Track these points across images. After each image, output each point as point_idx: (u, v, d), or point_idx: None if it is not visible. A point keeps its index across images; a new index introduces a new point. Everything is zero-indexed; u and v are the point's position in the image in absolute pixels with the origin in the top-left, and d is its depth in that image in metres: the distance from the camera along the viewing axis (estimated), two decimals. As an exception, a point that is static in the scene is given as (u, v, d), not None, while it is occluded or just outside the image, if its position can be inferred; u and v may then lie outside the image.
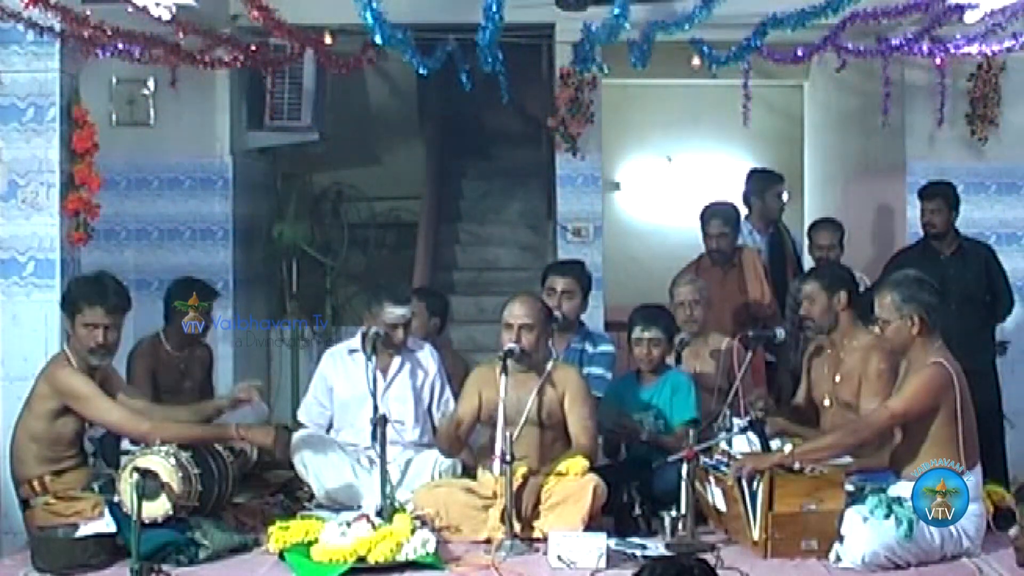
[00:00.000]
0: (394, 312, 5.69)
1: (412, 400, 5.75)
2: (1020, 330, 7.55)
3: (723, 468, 4.96)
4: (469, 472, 5.53)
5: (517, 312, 5.27)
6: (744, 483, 4.76)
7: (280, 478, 5.76)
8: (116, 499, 4.83)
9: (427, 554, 4.71)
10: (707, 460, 5.07)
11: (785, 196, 7.74)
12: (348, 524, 4.77)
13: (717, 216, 7.05)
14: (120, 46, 6.26)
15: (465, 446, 5.51)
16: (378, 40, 6.08)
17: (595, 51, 7.48)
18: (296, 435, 5.70)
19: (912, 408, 4.75)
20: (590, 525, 4.94)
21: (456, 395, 5.64)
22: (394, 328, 5.68)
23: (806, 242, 7.46)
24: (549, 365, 5.29)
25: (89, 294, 5.12)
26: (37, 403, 5.11)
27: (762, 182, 7.66)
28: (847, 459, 5.13)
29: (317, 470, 5.55)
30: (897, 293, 4.82)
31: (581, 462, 5.12)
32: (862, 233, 8.40)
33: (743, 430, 5.11)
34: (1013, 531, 4.52)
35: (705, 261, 7.07)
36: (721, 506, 5.00)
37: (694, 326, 6.12)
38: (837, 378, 5.45)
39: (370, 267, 9.33)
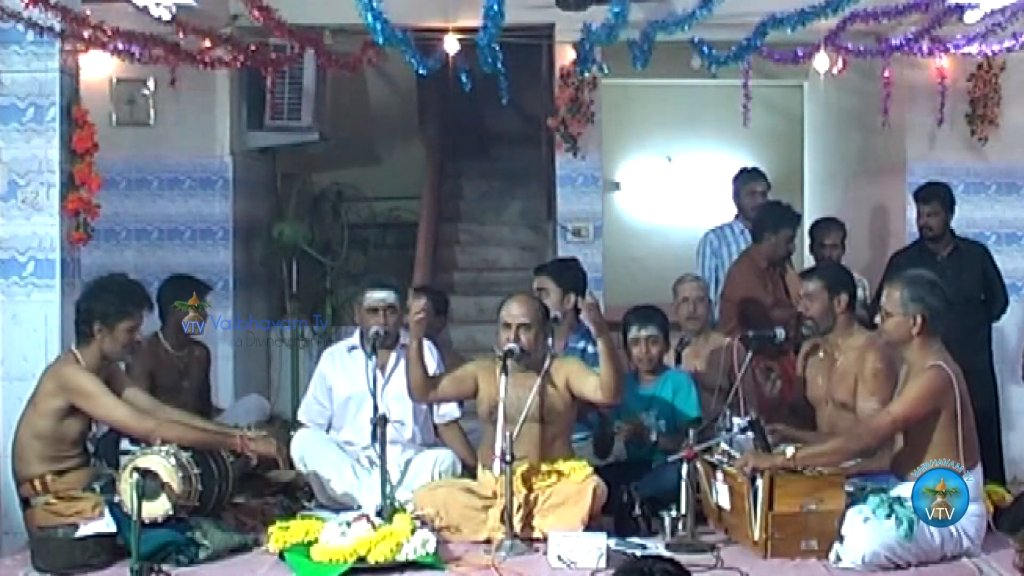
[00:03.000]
0: (373, 296, 5.72)
1: (410, 398, 5.75)
2: (1021, 331, 7.56)
3: (727, 466, 4.96)
4: (469, 471, 5.54)
5: (515, 312, 5.27)
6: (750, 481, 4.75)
7: (280, 478, 5.75)
8: (116, 499, 4.83)
9: (427, 554, 4.71)
10: (710, 458, 5.07)
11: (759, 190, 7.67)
12: (348, 524, 4.78)
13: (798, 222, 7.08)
14: (120, 46, 6.26)
15: (430, 393, 5.44)
16: (378, 40, 6.08)
17: (595, 51, 7.48)
18: (296, 435, 5.71)
19: (913, 412, 4.75)
20: (590, 525, 4.94)
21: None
22: (374, 312, 5.69)
23: (807, 240, 7.45)
24: (547, 363, 5.29)
25: (139, 299, 5.27)
26: (42, 401, 5.12)
27: (739, 180, 7.69)
28: (848, 463, 5.13)
29: (317, 469, 5.55)
30: (908, 290, 4.84)
31: (585, 468, 5.13)
32: (862, 233, 8.39)
33: (743, 430, 5.11)
34: (1017, 559, 4.49)
35: (760, 260, 6.84)
36: (725, 504, 4.99)
37: (696, 323, 6.12)
38: (833, 378, 5.45)
39: (370, 267, 9.32)
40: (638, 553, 4.70)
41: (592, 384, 5.19)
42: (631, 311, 5.87)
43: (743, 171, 7.85)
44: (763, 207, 7.21)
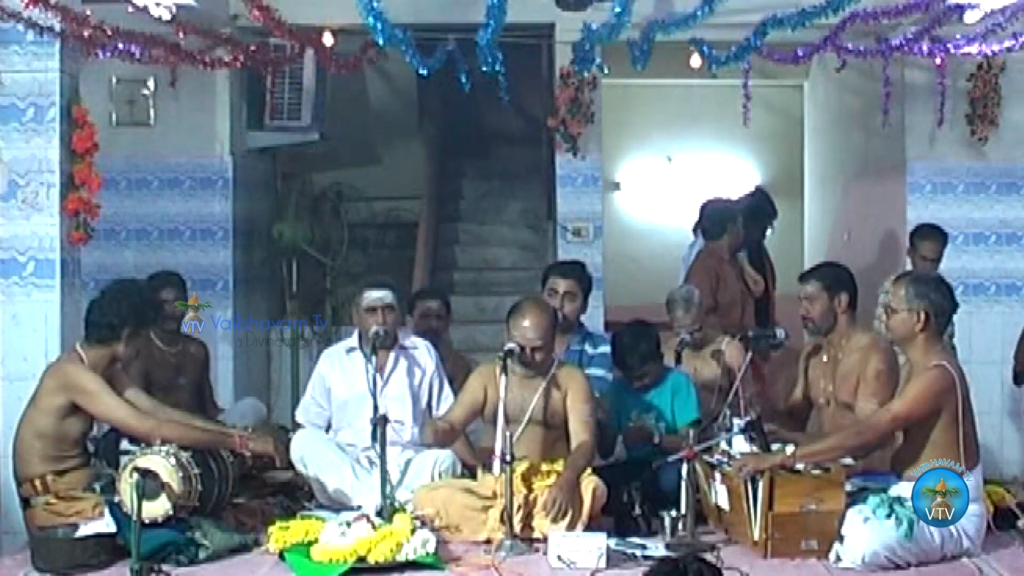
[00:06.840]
0: (371, 295, 5.73)
1: (410, 398, 5.75)
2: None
3: (725, 467, 4.96)
4: (469, 471, 5.53)
5: (530, 336, 5.22)
6: (749, 482, 4.75)
7: (277, 478, 5.76)
8: (116, 499, 4.83)
9: (427, 554, 4.71)
10: (709, 459, 5.07)
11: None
12: (348, 524, 4.77)
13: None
14: (120, 46, 6.26)
15: (458, 439, 5.50)
16: (379, 40, 6.08)
17: (595, 51, 7.48)
18: (296, 435, 5.71)
19: (914, 411, 4.74)
20: (590, 525, 4.94)
21: (456, 393, 5.64)
22: (372, 312, 5.70)
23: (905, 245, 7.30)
24: (554, 367, 5.29)
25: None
26: (44, 399, 5.12)
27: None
28: (849, 460, 5.13)
29: (317, 470, 5.55)
30: (913, 286, 4.85)
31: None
32: (862, 233, 8.40)
33: (743, 430, 5.10)
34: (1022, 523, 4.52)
35: (722, 253, 7.36)
36: (724, 504, 4.99)
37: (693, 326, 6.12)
38: (835, 378, 5.44)
39: (370, 267, 9.32)
40: (638, 553, 4.71)
41: (577, 423, 5.21)
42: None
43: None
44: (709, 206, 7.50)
